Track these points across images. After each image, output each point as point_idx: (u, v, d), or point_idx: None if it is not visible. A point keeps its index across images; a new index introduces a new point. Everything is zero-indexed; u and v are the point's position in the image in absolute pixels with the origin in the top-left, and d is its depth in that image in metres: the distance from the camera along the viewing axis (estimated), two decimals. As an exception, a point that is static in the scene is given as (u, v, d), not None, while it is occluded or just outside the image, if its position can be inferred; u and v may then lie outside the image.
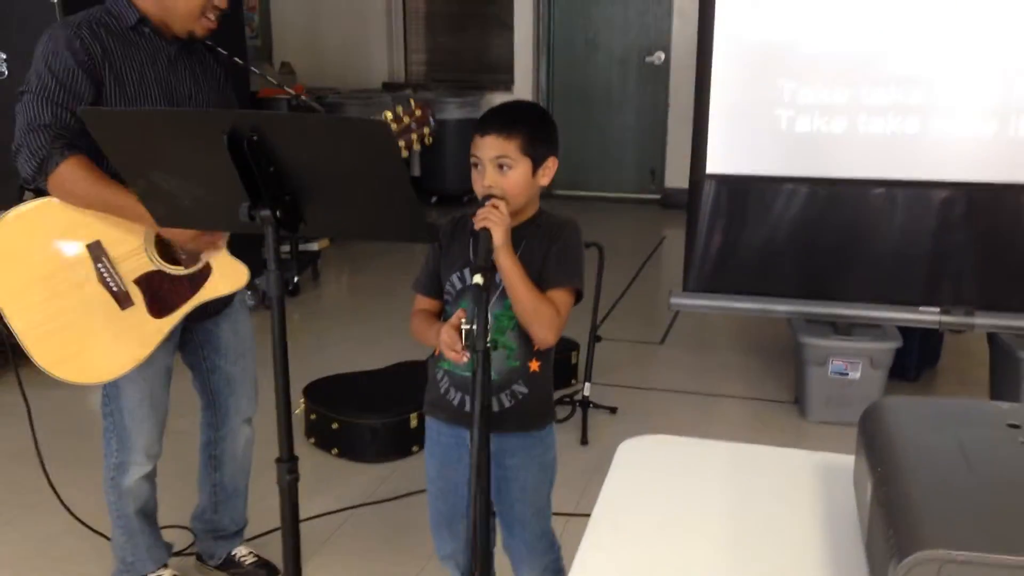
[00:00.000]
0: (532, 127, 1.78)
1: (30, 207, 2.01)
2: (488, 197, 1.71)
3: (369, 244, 6.04)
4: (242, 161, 1.48)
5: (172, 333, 2.16)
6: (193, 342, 2.32)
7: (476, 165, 1.77)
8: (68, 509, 2.55)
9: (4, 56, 3.66)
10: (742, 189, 3.48)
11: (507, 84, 7.50)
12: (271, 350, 1.62)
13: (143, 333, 2.07)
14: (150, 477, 2.31)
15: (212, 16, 2.08)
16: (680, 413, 3.67)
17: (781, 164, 3.41)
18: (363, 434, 3.23)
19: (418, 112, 1.98)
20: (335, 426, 3.26)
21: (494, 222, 1.67)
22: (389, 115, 1.95)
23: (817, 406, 3.55)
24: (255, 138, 1.47)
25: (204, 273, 2.10)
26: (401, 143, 1.96)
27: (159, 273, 2.06)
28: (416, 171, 7.20)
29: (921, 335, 3.71)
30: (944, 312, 3.31)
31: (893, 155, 3.29)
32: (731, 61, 3.35)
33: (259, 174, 1.50)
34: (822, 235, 3.45)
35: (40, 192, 2.01)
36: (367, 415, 3.24)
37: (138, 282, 2.05)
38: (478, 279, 1.56)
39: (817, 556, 1.16)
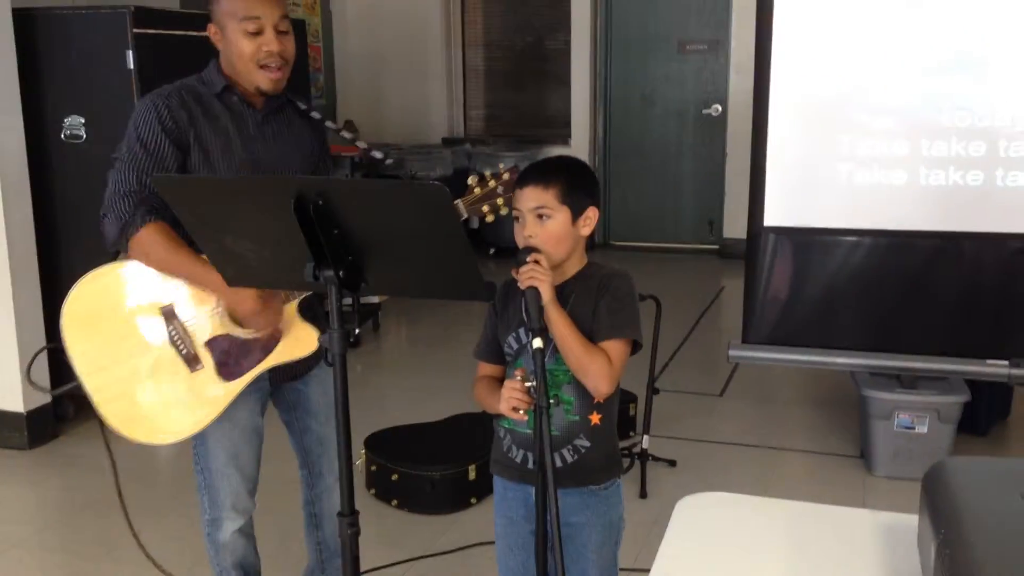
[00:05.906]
0: (569, 177, 1.81)
1: (109, 268, 2.07)
2: (527, 251, 1.74)
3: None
4: (307, 224, 1.53)
5: (257, 395, 2.20)
6: (286, 401, 2.34)
7: (517, 218, 1.81)
8: (147, 554, 2.54)
9: (83, 120, 3.84)
10: (801, 241, 3.46)
11: (564, 138, 7.58)
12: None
13: (211, 396, 2.08)
14: (244, 531, 2.32)
15: (272, 64, 2.05)
16: (741, 466, 3.62)
17: (840, 216, 3.40)
18: (423, 486, 3.25)
19: (506, 176, 1.99)
20: (395, 477, 3.29)
21: (539, 280, 1.69)
22: (474, 179, 1.98)
23: (884, 460, 3.46)
24: (320, 202, 1.52)
25: (275, 337, 2.10)
26: (485, 208, 1.98)
27: (229, 336, 2.07)
28: (475, 223, 7.27)
29: (991, 387, 3.62)
30: (1013, 365, 3.22)
31: (958, 206, 3.26)
32: (788, 115, 3.36)
33: (323, 236, 1.55)
34: (885, 287, 3.40)
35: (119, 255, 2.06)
36: (427, 467, 3.27)
37: (208, 344, 2.07)
38: (538, 343, 1.58)
39: (880, 620, 1.14)
